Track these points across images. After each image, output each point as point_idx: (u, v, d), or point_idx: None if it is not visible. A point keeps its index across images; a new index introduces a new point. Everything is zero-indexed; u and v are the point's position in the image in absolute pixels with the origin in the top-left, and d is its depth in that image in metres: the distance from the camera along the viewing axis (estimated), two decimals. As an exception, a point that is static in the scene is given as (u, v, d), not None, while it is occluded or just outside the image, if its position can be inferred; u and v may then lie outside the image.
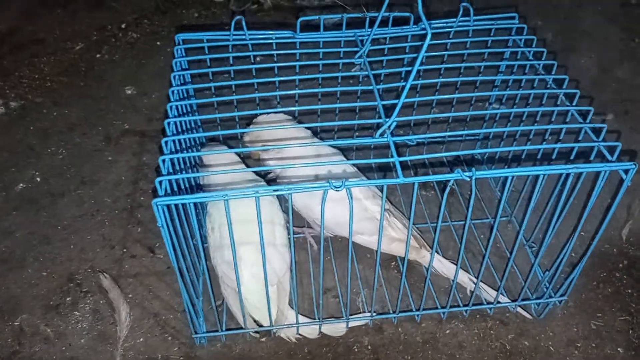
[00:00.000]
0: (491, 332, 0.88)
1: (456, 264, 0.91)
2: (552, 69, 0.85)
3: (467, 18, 0.90)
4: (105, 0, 1.69)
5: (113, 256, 0.98)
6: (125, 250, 0.99)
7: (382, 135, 0.69)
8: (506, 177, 1.06)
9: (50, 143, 1.21)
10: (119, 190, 1.10)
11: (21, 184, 1.12)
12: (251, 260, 0.82)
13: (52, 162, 1.17)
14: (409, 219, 0.95)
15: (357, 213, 0.87)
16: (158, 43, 1.53)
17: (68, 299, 0.92)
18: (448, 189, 0.64)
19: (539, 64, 0.86)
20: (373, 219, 0.90)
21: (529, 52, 0.88)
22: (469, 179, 0.62)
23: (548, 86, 0.83)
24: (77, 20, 1.61)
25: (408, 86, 0.67)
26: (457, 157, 1.16)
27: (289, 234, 0.91)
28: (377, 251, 0.75)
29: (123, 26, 1.59)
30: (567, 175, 0.69)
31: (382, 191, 0.65)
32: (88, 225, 1.03)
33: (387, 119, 0.69)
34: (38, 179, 1.13)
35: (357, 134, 1.12)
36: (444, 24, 0.90)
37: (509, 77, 0.88)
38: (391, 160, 0.64)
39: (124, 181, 1.12)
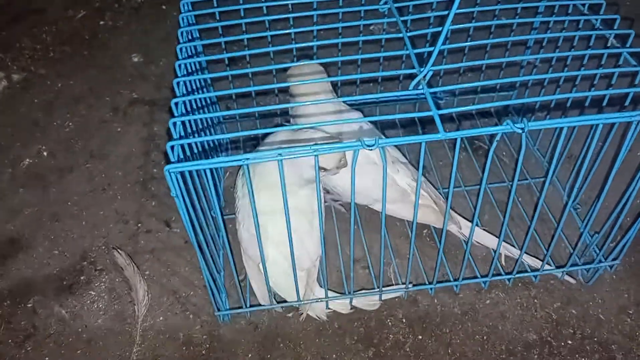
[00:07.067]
0: (535, 300, 0.82)
1: (493, 234, 0.85)
2: (599, 10, 0.76)
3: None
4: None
5: (127, 232, 0.94)
6: (139, 225, 0.95)
7: (417, 86, 0.61)
8: (552, 131, 0.98)
9: (55, 116, 1.16)
10: (130, 163, 1.06)
11: (27, 160, 1.08)
12: (278, 238, 0.73)
13: (58, 135, 1.12)
14: (434, 185, 0.89)
15: (376, 179, 0.81)
16: (164, 7, 1.45)
17: (82, 278, 0.88)
18: (495, 143, 0.57)
19: (583, 4, 0.77)
20: (393, 184, 0.84)
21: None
22: (521, 131, 0.54)
23: (596, 27, 0.74)
24: (77, -13, 1.53)
25: (445, 30, 0.59)
26: (488, 110, 1.08)
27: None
28: (413, 219, 0.68)
29: (126, -9, 1.51)
30: (626, 125, 0.61)
31: (420, 150, 0.58)
32: (99, 200, 0.99)
33: (422, 68, 0.61)
34: (45, 154, 1.09)
35: (381, 87, 1.07)
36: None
37: (549, 18, 0.79)
38: (430, 113, 0.57)
39: (134, 153, 1.08)
